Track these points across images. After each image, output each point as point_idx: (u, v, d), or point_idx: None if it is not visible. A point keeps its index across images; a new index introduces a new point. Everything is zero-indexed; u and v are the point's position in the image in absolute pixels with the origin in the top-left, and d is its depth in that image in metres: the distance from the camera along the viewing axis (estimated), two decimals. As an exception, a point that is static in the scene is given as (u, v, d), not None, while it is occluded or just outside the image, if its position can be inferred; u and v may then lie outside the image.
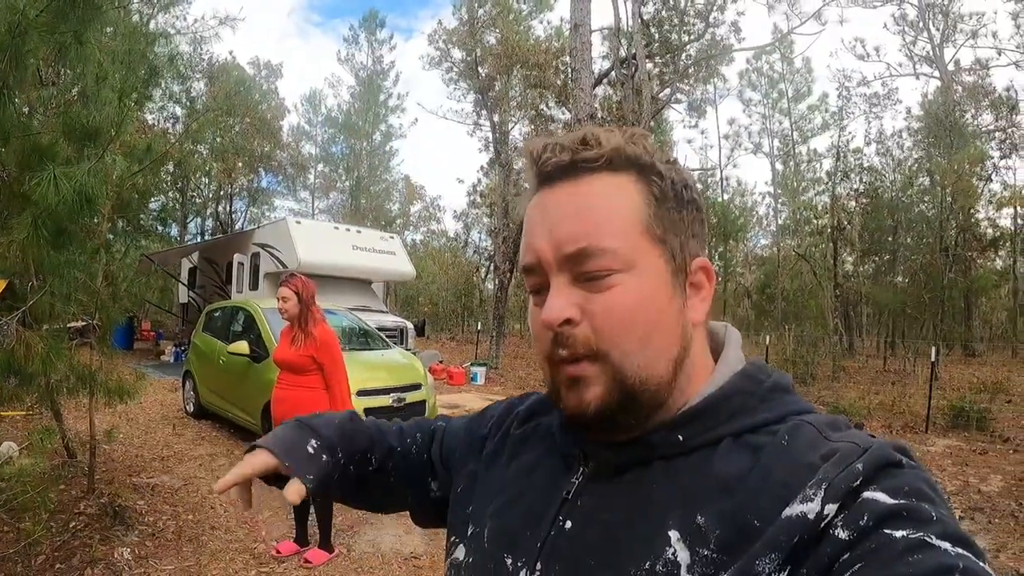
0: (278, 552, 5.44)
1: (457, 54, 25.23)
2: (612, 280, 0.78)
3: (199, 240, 31.61)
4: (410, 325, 15.86)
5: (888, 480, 0.66)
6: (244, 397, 8.76)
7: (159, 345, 21.59)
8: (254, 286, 16.48)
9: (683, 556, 0.70)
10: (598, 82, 18.81)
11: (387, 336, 10.73)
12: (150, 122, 24.82)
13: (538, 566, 0.82)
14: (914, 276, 23.72)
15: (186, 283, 21.66)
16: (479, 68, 23.00)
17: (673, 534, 0.72)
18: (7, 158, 4.16)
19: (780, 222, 35.27)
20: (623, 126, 0.87)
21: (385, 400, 7.94)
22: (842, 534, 0.63)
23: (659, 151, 0.84)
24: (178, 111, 30.97)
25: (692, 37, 21.45)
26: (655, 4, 20.89)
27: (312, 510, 5.51)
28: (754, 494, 0.70)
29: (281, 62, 43.44)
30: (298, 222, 16.08)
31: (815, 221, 27.72)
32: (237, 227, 35.17)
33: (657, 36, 20.76)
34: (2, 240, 3.84)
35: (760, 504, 0.69)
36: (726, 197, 36.87)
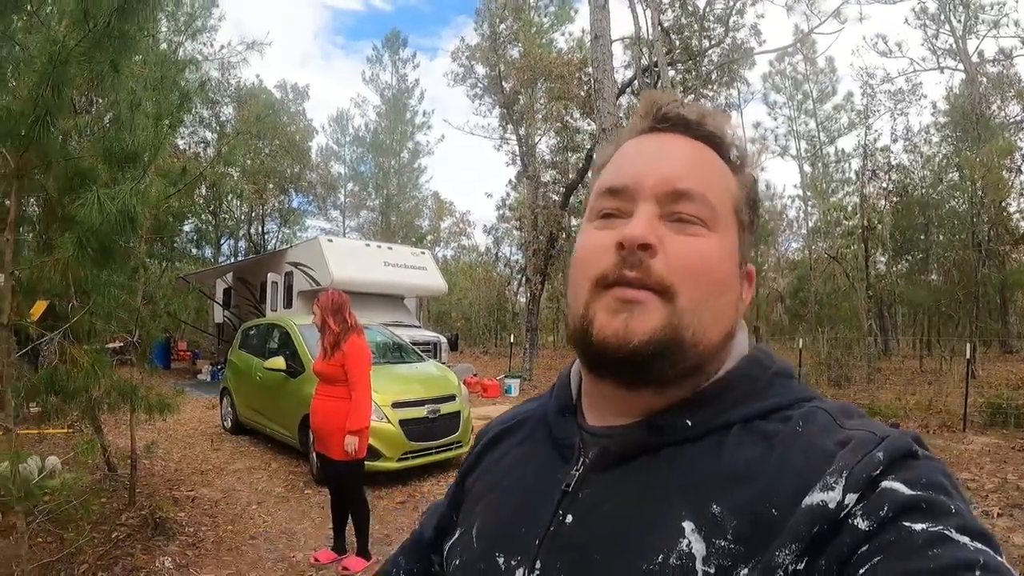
0: (316, 560, 5.59)
1: (481, 70, 25.45)
2: (699, 230, 0.78)
3: (232, 261, 32.02)
4: (444, 339, 16.02)
5: (906, 471, 0.65)
6: (281, 412, 8.93)
7: (195, 364, 21.93)
8: (288, 304, 16.73)
9: (699, 548, 0.68)
10: (621, 92, 18.90)
11: (421, 350, 10.85)
12: (181, 146, 25.27)
13: (537, 564, 0.79)
14: (947, 273, 23.47)
15: (221, 303, 22.00)
16: (503, 83, 23.17)
17: (687, 525, 0.69)
18: (49, 182, 4.36)
19: (811, 225, 34.94)
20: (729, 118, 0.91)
21: (420, 412, 8.04)
22: (861, 524, 0.62)
23: (752, 161, 0.89)
24: (208, 135, 31.54)
25: (713, 42, 21.48)
26: (674, 11, 20.96)
27: (350, 519, 5.66)
28: (770, 482, 0.68)
29: (308, 84, 43.99)
30: (330, 240, 16.34)
31: (846, 222, 27.41)
32: (269, 247, 35.59)
33: (678, 43, 20.81)
34: (46, 260, 4.02)
35: (777, 493, 0.67)
36: (755, 202, 36.67)
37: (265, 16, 71.24)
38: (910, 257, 28.84)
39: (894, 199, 26.82)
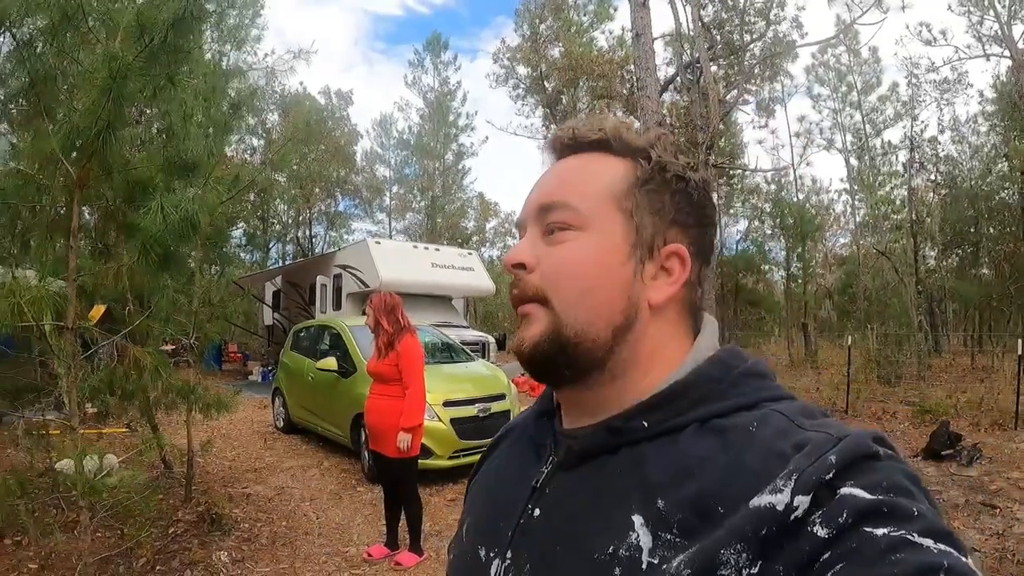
0: (369, 555, 5.71)
1: (522, 70, 25.47)
2: (565, 236, 0.84)
3: (280, 264, 32.47)
4: (492, 339, 16.11)
5: (866, 475, 0.65)
6: (333, 411, 9.11)
7: (246, 365, 22.29)
8: (337, 306, 16.96)
9: (645, 540, 0.71)
10: (664, 89, 18.85)
11: (470, 350, 10.95)
12: (228, 154, 25.71)
13: (508, 554, 0.84)
14: (999, 267, 23.04)
15: (271, 306, 22.34)
16: (545, 82, 23.20)
17: (637, 519, 0.73)
18: (109, 192, 4.54)
19: (858, 219, 34.42)
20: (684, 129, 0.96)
21: (471, 410, 8.14)
22: (821, 532, 0.62)
23: (667, 148, 0.89)
24: (255, 142, 32.03)
25: (754, 36, 21.27)
26: (714, 6, 20.84)
27: (403, 515, 5.80)
28: (718, 479, 0.70)
29: (351, 89, 44.31)
30: (378, 243, 16.54)
31: (894, 216, 27.03)
32: (316, 251, 36.02)
33: (719, 38, 20.66)
34: (110, 266, 4.20)
35: (725, 490, 0.69)
36: (801, 197, 36.19)
37: (306, 24, 71.82)
38: (960, 251, 28.37)
39: (943, 191, 26.43)
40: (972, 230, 26.62)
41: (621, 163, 0.88)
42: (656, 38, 15.79)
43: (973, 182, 25.69)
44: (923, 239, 26.43)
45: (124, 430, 8.57)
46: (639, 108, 14.66)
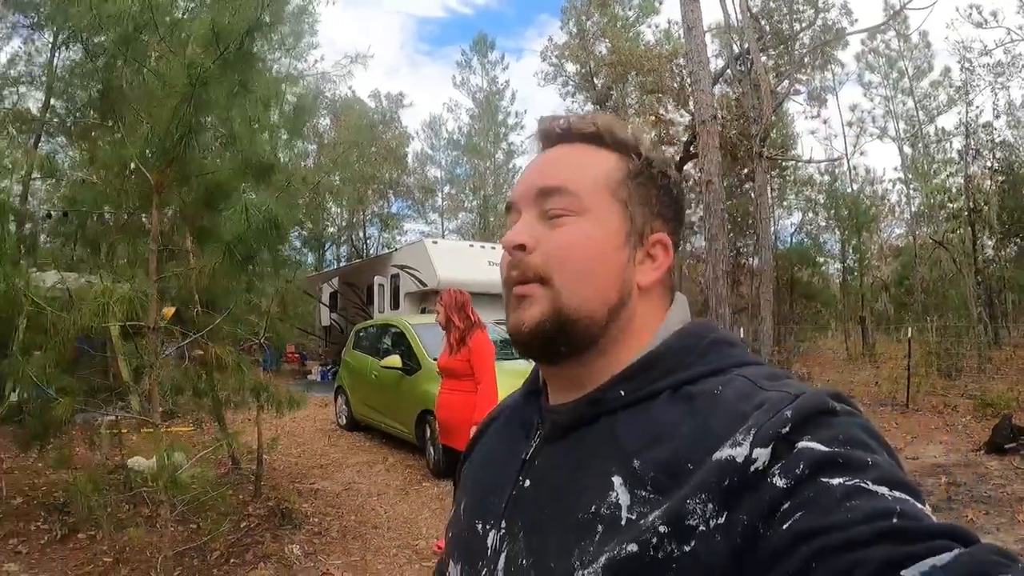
0: (439, 548, 5.81)
1: (571, 67, 25.45)
2: (566, 220, 0.87)
3: (336, 266, 32.83)
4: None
5: (822, 429, 0.68)
6: (397, 408, 9.25)
7: (304, 365, 22.61)
8: (395, 306, 17.13)
9: (624, 498, 0.75)
10: (715, 81, 18.76)
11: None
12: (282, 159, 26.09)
13: (503, 524, 0.88)
14: (1061, 256, 22.39)
15: (328, 306, 22.63)
16: (594, 79, 23.17)
17: (616, 479, 0.77)
18: (189, 196, 4.70)
19: (914, 209, 33.81)
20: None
21: (537, 405, 8.18)
22: (779, 482, 0.65)
23: (652, 145, 0.95)
24: (308, 147, 32.45)
25: (804, 25, 21.04)
26: (762, -3, 20.65)
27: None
28: (687, 440, 0.74)
29: (401, 92, 44.44)
30: (435, 242, 16.69)
31: (950, 205, 26.44)
32: (371, 252, 36.34)
33: (768, 28, 20.48)
34: (193, 267, 4.35)
35: (692, 449, 0.73)
36: (855, 187, 35.59)
37: (349, 29, 72.33)
38: (1019, 240, 27.64)
39: (1000, 179, 25.69)
40: (1032, 218, 25.92)
41: (612, 156, 0.92)
42: (705, 31, 15.69)
43: (1032, 167, 24.98)
44: (981, 228, 25.71)
45: (189, 428, 8.80)
46: (692, 101, 14.60)
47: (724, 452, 0.69)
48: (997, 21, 28.32)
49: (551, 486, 0.85)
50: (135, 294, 3.67)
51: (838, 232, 33.22)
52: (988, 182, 25.61)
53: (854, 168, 36.58)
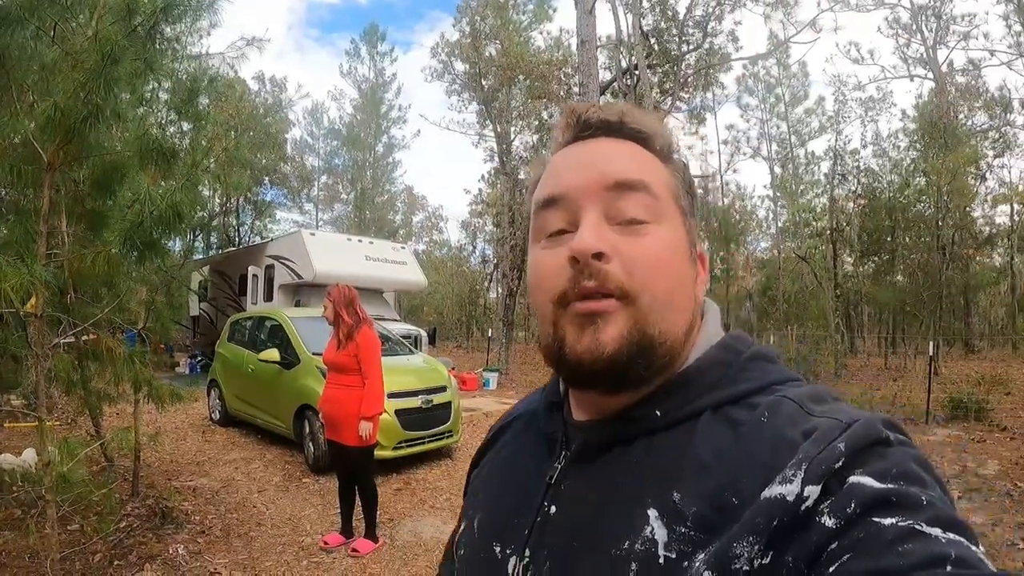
0: (326, 544, 5.76)
1: (460, 66, 25.45)
2: (647, 228, 0.78)
3: (204, 254, 31.83)
4: (424, 333, 16.12)
5: (875, 462, 0.64)
6: (275, 403, 9.04)
7: (172, 356, 21.81)
8: (268, 297, 16.73)
9: (660, 534, 0.69)
10: (601, 92, 19.12)
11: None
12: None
13: (526, 552, 0.82)
14: (913, 275, 23.92)
15: (198, 295, 21.91)
16: (482, 80, 23.23)
17: (652, 512, 0.71)
18: (83, 176, 4.46)
19: (780, 225, 35.38)
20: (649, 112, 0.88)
21: (415, 402, 8.22)
22: (829, 522, 0.60)
23: (682, 155, 0.90)
24: (184, 126, 31.23)
25: (691, 47, 21.68)
26: (655, 16, 21.16)
27: (359, 503, 5.84)
28: (733, 472, 0.69)
29: (285, 76, 43.40)
30: (312, 234, 16.37)
31: (815, 223, 27.84)
32: (243, 240, 35.37)
33: (657, 47, 21.02)
34: (86, 252, 4.13)
35: (739, 482, 0.67)
36: (726, 202, 37.06)
37: (239, 7, 70.18)
38: (877, 258, 29.25)
39: (862, 202, 27.30)
40: (889, 239, 27.46)
41: (661, 162, 0.85)
42: (598, 45, 15.99)
43: (891, 194, 26.53)
44: (842, 246, 27.33)
45: (60, 423, 8.37)
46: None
47: (774, 490, 0.64)
48: (873, 59, 30.12)
49: (580, 515, 0.79)
50: (29, 279, 3.45)
51: (708, 243, 34.40)
52: (851, 204, 27.10)
53: (726, 184, 38.24)
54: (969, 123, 28.19)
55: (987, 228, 25.60)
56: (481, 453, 1.11)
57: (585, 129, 0.85)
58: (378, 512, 5.97)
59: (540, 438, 0.94)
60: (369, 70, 43.99)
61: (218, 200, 36.24)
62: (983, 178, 24.90)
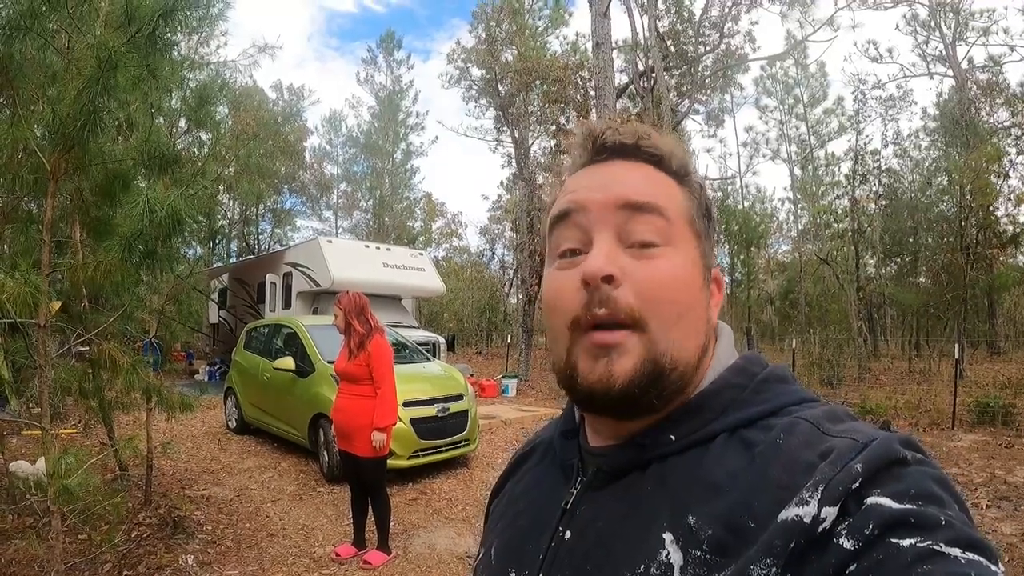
0: (337, 555, 5.69)
1: (476, 72, 25.50)
2: (659, 251, 0.79)
3: (224, 262, 31.99)
4: (442, 339, 16.10)
5: (893, 482, 0.63)
6: (290, 411, 9.00)
7: (191, 364, 21.89)
8: (287, 305, 16.77)
9: (676, 558, 0.69)
10: (618, 96, 19.05)
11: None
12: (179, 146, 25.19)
13: None
14: (936, 276, 23.65)
15: (217, 303, 22.00)
16: (499, 85, 23.23)
17: (667, 536, 0.71)
18: (86, 184, 4.42)
19: (800, 227, 35.12)
20: (661, 131, 0.89)
21: (431, 410, 8.14)
22: (847, 543, 0.60)
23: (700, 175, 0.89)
24: (203, 136, 31.39)
25: (708, 48, 21.58)
26: (671, 18, 21.09)
27: (371, 514, 5.76)
28: (748, 494, 0.68)
29: (303, 84, 43.67)
30: (330, 241, 16.43)
31: (835, 225, 27.64)
32: (262, 248, 35.57)
33: (673, 48, 20.94)
34: (88, 260, 4.08)
35: (755, 505, 0.67)
36: (746, 204, 36.85)
37: (259, 17, 70.89)
38: (899, 260, 29.10)
39: (883, 202, 27.11)
40: (911, 240, 27.34)
41: (677, 184, 0.85)
42: (613, 48, 15.92)
43: (913, 194, 26.40)
44: (864, 247, 27.11)
45: (74, 431, 8.37)
46: (597, 116, 14.76)
47: (791, 512, 0.63)
48: (892, 58, 29.88)
49: (595, 540, 0.79)
50: (27, 289, 3.40)
51: (728, 246, 34.25)
52: (872, 205, 26.88)
53: (746, 186, 38.09)
54: (990, 120, 27.83)
55: (1011, 227, 25.26)
56: (502, 481, 1.10)
57: (601, 152, 0.86)
58: (391, 523, 5.89)
59: (557, 465, 0.94)
60: (386, 77, 44.23)
61: (237, 208, 36.50)
62: (1006, 176, 24.52)
